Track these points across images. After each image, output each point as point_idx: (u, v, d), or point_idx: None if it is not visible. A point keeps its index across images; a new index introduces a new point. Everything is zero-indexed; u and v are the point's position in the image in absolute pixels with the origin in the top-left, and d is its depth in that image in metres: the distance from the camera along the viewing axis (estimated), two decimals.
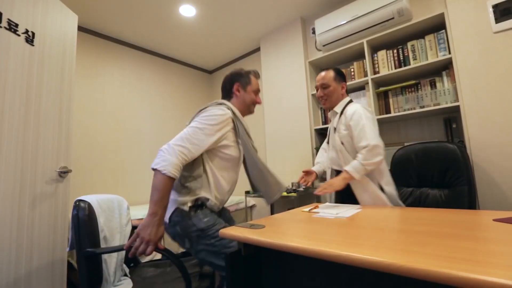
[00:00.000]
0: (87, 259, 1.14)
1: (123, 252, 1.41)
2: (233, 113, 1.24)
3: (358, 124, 1.37)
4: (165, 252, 1.04)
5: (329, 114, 1.61)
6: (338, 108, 1.52)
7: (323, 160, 1.71)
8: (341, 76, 1.56)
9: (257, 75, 1.41)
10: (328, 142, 1.65)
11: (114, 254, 1.36)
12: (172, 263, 1.11)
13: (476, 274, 0.44)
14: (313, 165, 2.60)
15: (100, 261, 1.22)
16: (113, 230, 1.41)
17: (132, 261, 1.57)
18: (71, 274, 2.23)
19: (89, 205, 1.25)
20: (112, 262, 1.30)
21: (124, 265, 1.45)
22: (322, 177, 1.77)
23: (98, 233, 1.25)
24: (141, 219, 2.27)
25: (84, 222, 1.19)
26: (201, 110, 1.24)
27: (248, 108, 1.36)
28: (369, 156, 1.30)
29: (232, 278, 0.86)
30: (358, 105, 1.46)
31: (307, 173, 1.61)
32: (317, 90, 1.58)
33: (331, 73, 1.53)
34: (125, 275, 1.41)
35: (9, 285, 1.31)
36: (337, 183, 1.30)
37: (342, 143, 1.45)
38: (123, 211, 1.54)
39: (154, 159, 1.02)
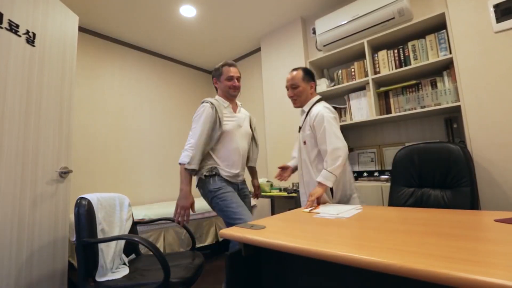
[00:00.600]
0: (84, 248, 1.30)
1: (122, 243, 1.55)
2: (212, 103, 1.59)
3: (320, 126, 1.46)
4: (146, 243, 1.24)
5: (300, 113, 1.68)
6: (306, 107, 1.60)
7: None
8: (309, 76, 1.61)
9: (230, 64, 1.69)
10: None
11: (112, 245, 1.47)
12: (154, 255, 1.23)
13: (476, 275, 0.44)
14: None
15: (97, 250, 1.37)
16: (113, 224, 1.56)
17: (133, 252, 1.71)
18: (72, 274, 2.23)
19: (89, 202, 1.42)
20: (109, 252, 1.44)
21: (123, 255, 1.56)
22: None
23: (95, 226, 1.41)
24: (142, 219, 2.28)
25: (83, 216, 1.36)
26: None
27: (227, 93, 1.68)
28: (331, 162, 1.39)
29: (232, 278, 0.86)
30: (321, 105, 1.53)
31: (283, 168, 1.71)
32: (287, 90, 1.63)
33: (299, 74, 1.59)
34: (124, 263, 1.53)
35: (10, 285, 1.32)
36: (318, 191, 1.37)
37: (305, 143, 1.55)
38: (124, 207, 1.69)
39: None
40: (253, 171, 1.88)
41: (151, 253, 2.03)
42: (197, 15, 2.77)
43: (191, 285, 1.34)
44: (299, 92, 1.58)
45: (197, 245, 2.54)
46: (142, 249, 1.82)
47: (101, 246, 1.40)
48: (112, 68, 3.11)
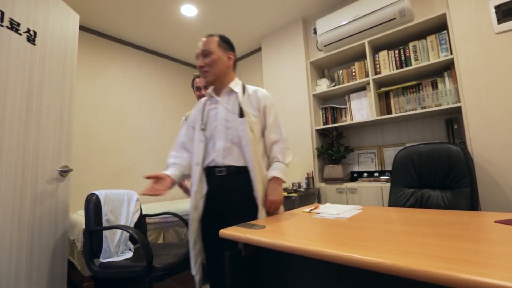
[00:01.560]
0: (90, 233, 1.58)
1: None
2: (185, 117, 1.88)
3: (271, 111, 1.23)
4: (133, 231, 1.46)
5: (209, 91, 1.30)
6: (235, 87, 1.23)
7: (182, 161, 1.30)
8: (228, 45, 1.27)
9: (197, 76, 1.82)
10: (203, 129, 1.23)
11: (118, 233, 1.73)
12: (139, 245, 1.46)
13: (477, 276, 0.44)
14: (314, 165, 2.58)
15: (101, 236, 1.64)
16: (119, 216, 1.81)
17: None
18: (72, 273, 2.23)
19: (97, 196, 1.68)
20: (114, 238, 1.71)
21: (129, 242, 1.80)
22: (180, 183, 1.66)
23: (101, 217, 1.67)
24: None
25: (91, 209, 1.62)
26: None
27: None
28: (286, 153, 1.22)
29: (232, 278, 0.86)
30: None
31: (157, 179, 1.14)
32: (197, 59, 1.24)
33: (214, 39, 1.23)
34: (130, 249, 1.77)
35: (10, 284, 1.32)
36: (280, 194, 1.14)
37: (252, 131, 1.16)
38: (132, 202, 1.92)
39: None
40: None
41: (158, 242, 2.29)
42: (198, 14, 2.77)
43: (174, 270, 1.51)
44: (212, 61, 1.19)
45: None
46: (151, 239, 2.17)
47: (106, 233, 1.66)
48: (113, 67, 3.11)
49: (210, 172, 1.19)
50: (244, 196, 1.14)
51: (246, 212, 1.11)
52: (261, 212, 1.13)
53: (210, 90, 1.30)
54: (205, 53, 1.21)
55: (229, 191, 1.15)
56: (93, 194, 1.68)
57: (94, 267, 1.50)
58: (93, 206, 1.62)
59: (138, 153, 3.24)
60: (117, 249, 1.69)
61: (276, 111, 1.25)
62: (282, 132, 1.24)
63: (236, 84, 1.25)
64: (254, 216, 1.11)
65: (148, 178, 1.09)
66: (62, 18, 1.74)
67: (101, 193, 1.72)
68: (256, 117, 1.20)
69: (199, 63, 1.22)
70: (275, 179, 1.15)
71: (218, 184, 1.17)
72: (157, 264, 1.43)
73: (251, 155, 1.13)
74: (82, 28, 2.84)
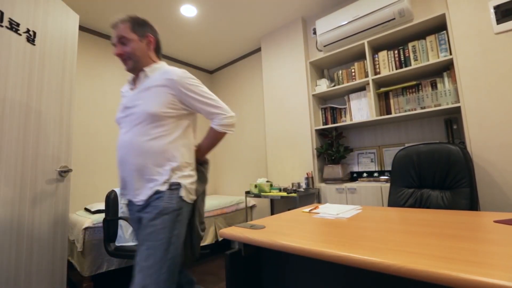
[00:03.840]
0: (108, 222, 1.92)
1: None
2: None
3: None
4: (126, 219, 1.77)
5: None
6: None
7: None
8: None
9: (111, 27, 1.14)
10: None
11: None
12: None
13: (476, 276, 0.44)
14: (313, 165, 2.60)
15: (117, 225, 1.99)
16: None
17: None
18: (71, 273, 2.23)
19: (115, 192, 2.02)
20: (129, 227, 2.07)
21: None
22: None
23: (117, 210, 2.00)
24: None
25: (109, 203, 1.95)
26: None
27: None
28: None
29: (232, 278, 0.86)
30: None
31: None
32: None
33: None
34: None
35: (9, 284, 1.32)
36: None
37: None
38: None
39: None
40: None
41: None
42: (197, 14, 2.77)
43: None
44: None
45: None
46: None
47: (121, 222, 2.00)
48: (112, 67, 3.11)
49: None
50: None
51: None
52: None
53: None
54: None
55: None
56: (112, 191, 2.01)
57: (110, 249, 1.86)
58: (111, 201, 1.96)
59: None
60: (132, 237, 2.05)
61: None
62: None
63: None
64: None
65: None
66: (62, 18, 1.73)
67: (118, 190, 2.04)
68: None
69: None
70: None
71: None
72: None
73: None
74: (81, 28, 2.84)
